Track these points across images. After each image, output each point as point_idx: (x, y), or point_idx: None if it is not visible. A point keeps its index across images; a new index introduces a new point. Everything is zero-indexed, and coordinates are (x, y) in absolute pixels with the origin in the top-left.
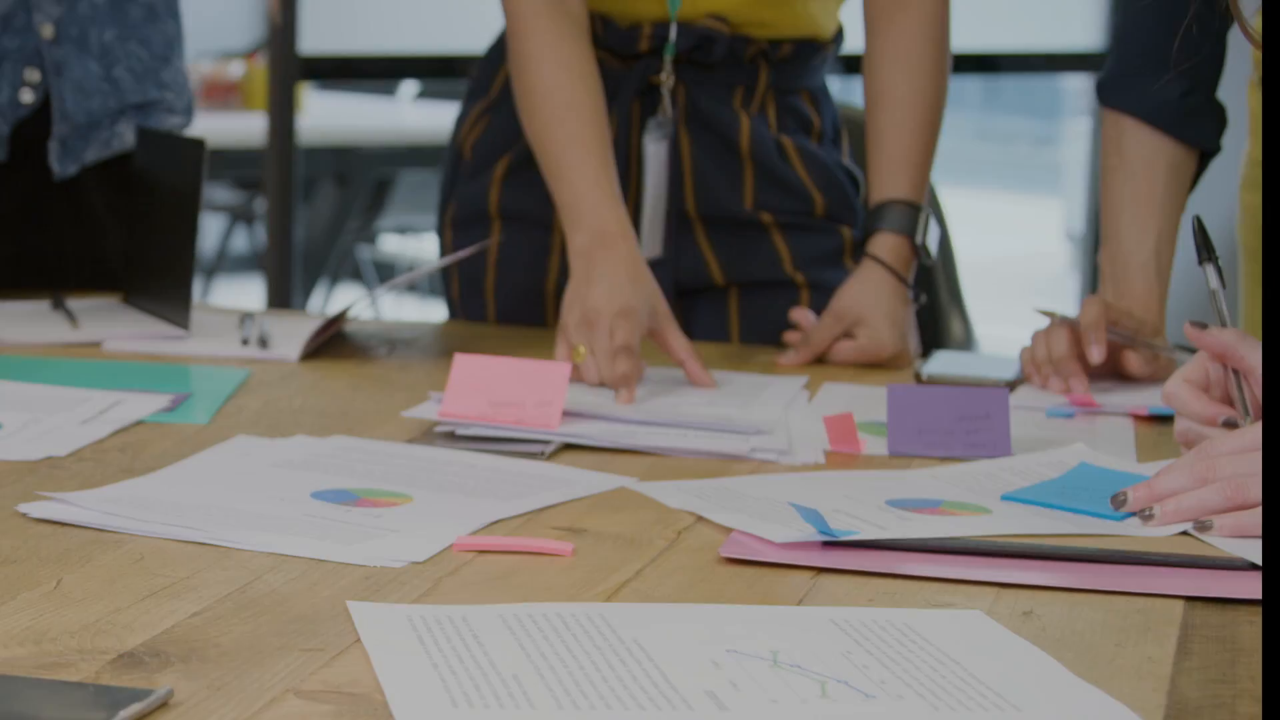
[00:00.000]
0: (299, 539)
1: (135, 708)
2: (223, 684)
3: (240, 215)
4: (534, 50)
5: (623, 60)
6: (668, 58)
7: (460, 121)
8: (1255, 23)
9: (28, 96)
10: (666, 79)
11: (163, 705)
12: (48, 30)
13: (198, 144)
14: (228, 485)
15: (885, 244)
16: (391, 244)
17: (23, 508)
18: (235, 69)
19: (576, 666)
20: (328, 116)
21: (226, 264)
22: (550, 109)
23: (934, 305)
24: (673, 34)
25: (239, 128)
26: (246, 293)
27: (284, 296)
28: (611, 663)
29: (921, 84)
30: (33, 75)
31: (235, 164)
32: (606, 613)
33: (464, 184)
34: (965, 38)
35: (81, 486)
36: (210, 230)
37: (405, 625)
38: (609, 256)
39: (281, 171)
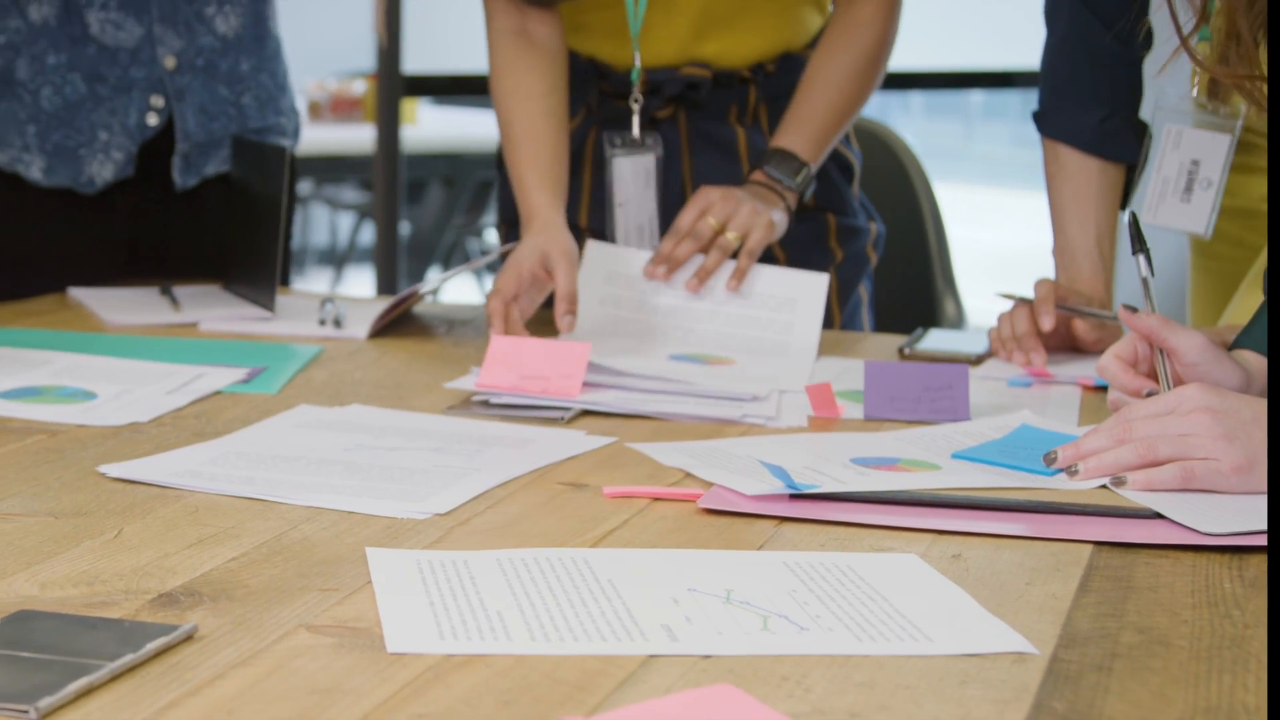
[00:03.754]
0: (332, 494)
1: (160, 641)
2: (245, 620)
3: (366, 212)
4: (502, 81)
5: (627, 100)
6: (635, 99)
7: None
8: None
9: (153, 120)
10: (636, 104)
11: (187, 639)
12: (170, 62)
13: (281, 151)
14: (279, 447)
15: (756, 178)
16: (495, 237)
17: (101, 468)
18: (358, 86)
19: (554, 604)
20: (438, 127)
21: (355, 255)
22: (512, 132)
23: (929, 289)
24: (634, 76)
25: (362, 137)
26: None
27: (390, 283)
28: (585, 600)
29: (848, 76)
30: (157, 101)
31: (360, 168)
32: (590, 557)
33: (501, 187)
34: (1002, 58)
35: (157, 449)
36: (342, 226)
37: (413, 568)
38: (526, 229)
39: (387, 176)
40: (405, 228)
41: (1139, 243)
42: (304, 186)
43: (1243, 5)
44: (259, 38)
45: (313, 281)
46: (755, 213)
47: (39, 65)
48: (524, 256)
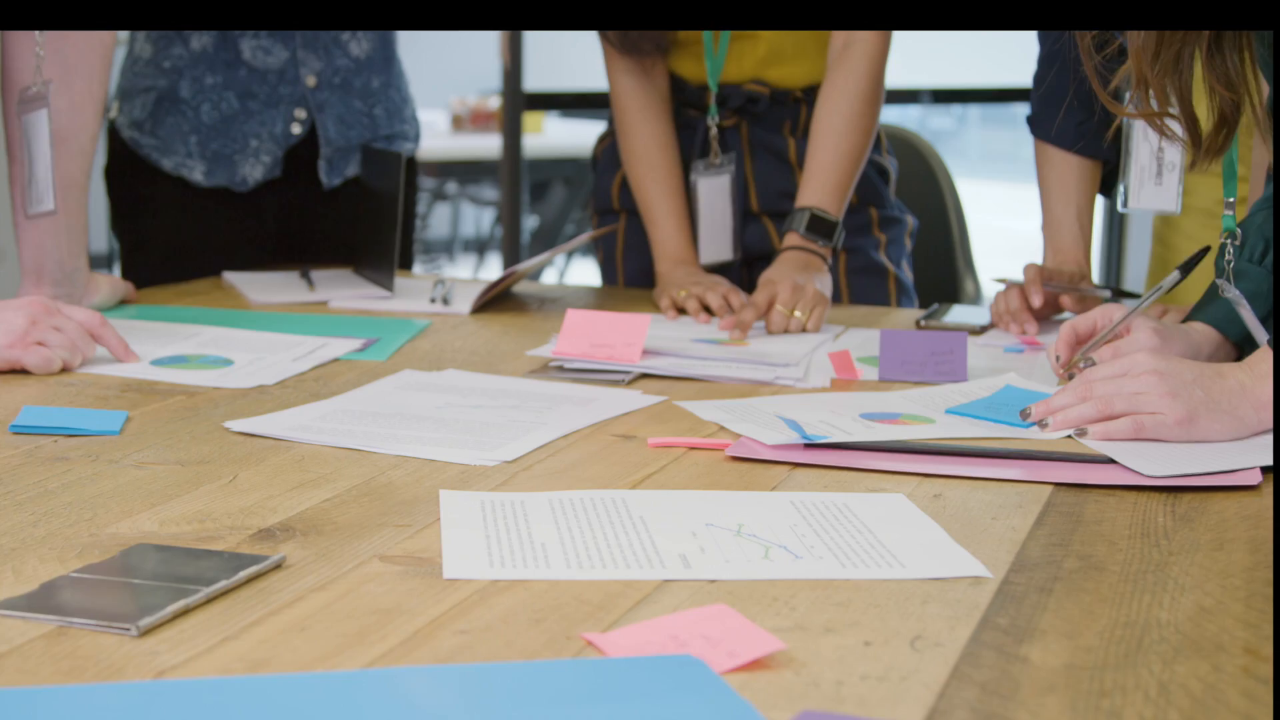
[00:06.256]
0: (419, 445)
1: (251, 569)
2: (328, 551)
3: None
4: (629, 124)
5: (699, 110)
6: (712, 119)
7: (600, 137)
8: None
9: (296, 129)
10: (713, 134)
11: (276, 568)
12: (311, 80)
13: (398, 156)
14: (380, 405)
15: (794, 241)
16: None
17: (227, 423)
18: (493, 102)
19: (591, 537)
20: (560, 135)
21: (494, 244)
22: (642, 168)
23: (952, 270)
24: (712, 113)
25: (497, 145)
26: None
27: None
28: (618, 534)
29: (852, 120)
30: (300, 113)
31: (496, 171)
32: (627, 497)
33: (596, 181)
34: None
35: (278, 407)
36: (484, 220)
37: (477, 507)
38: (689, 269)
39: (512, 178)
40: (533, 221)
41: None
42: (450, 186)
43: (1148, 58)
44: (387, 59)
45: (460, 266)
46: (817, 294)
47: (199, 85)
48: (719, 282)
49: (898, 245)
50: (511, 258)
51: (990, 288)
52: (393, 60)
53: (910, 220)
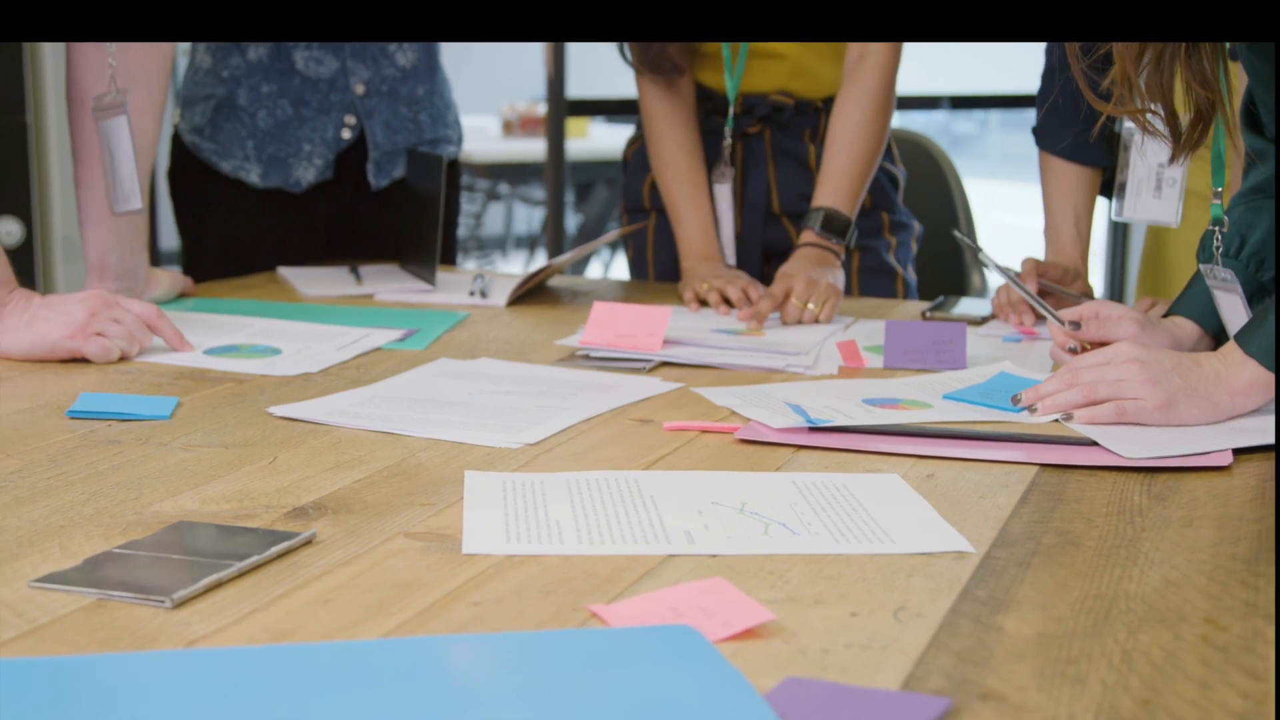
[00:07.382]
0: (449, 429)
1: (283, 545)
2: (356, 528)
3: None
4: (655, 132)
5: (725, 117)
6: (729, 129)
7: (630, 140)
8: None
9: (346, 134)
10: (727, 144)
11: (307, 544)
12: (360, 88)
13: (439, 159)
14: (415, 392)
15: (810, 239)
16: None
17: (270, 409)
18: (541, 108)
19: (603, 515)
20: (604, 140)
21: (542, 241)
22: (669, 172)
23: (960, 265)
24: (730, 118)
25: (544, 149)
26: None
27: None
28: (629, 512)
29: (865, 127)
30: (349, 119)
31: (542, 173)
32: (640, 478)
33: (627, 181)
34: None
35: (320, 393)
36: (535, 218)
37: (498, 487)
38: (712, 265)
39: (555, 179)
40: (579, 219)
41: (974, 253)
42: (502, 187)
43: (1131, 56)
44: (431, 69)
45: (513, 262)
46: (830, 288)
47: (255, 94)
48: (739, 276)
49: (905, 248)
50: (556, 254)
51: (995, 281)
52: (437, 69)
53: (916, 225)
